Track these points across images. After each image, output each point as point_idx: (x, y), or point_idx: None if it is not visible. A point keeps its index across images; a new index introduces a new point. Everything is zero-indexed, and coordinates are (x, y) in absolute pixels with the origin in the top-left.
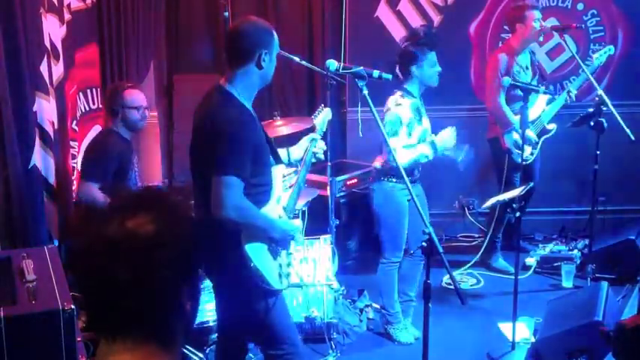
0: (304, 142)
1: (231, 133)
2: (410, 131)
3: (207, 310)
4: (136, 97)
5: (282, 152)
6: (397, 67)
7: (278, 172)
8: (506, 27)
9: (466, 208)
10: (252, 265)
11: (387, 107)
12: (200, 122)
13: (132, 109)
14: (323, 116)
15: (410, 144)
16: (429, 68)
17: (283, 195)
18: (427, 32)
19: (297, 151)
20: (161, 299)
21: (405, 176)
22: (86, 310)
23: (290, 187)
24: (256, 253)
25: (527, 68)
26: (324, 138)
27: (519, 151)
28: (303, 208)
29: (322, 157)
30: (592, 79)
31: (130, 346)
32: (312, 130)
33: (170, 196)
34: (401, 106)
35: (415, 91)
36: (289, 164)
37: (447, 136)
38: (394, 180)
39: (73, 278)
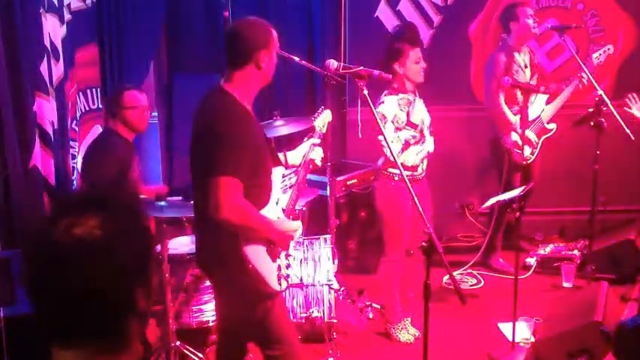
0: (303, 147)
1: (230, 133)
2: (398, 126)
3: (207, 311)
4: (135, 97)
5: (279, 156)
6: (382, 66)
7: (277, 173)
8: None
9: (466, 208)
10: (250, 266)
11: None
12: (199, 122)
13: (131, 109)
14: (323, 118)
15: (404, 138)
16: (413, 65)
17: (282, 197)
18: (408, 29)
19: (294, 156)
20: (114, 304)
21: (402, 171)
22: (37, 319)
23: (290, 187)
24: (255, 254)
25: (526, 67)
26: (324, 139)
27: (519, 151)
28: (303, 208)
29: (319, 163)
30: (592, 79)
31: (85, 353)
32: (311, 131)
33: (118, 197)
34: (383, 103)
35: (402, 86)
36: (286, 167)
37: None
38: (396, 178)
39: (24, 286)
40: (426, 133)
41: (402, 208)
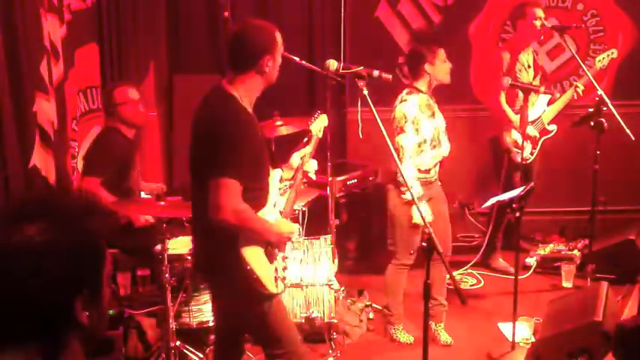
0: (294, 160)
1: (231, 134)
2: (417, 127)
3: (207, 311)
4: (124, 92)
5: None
6: (405, 69)
7: (275, 176)
8: (506, 27)
9: (466, 208)
10: (248, 268)
11: (394, 105)
12: (200, 123)
13: (123, 104)
14: (319, 123)
15: (426, 143)
16: (441, 64)
17: (279, 199)
18: (429, 31)
19: (289, 170)
20: (50, 311)
21: (406, 182)
22: None
23: (290, 187)
24: (253, 256)
25: (529, 67)
26: (323, 140)
27: (519, 151)
28: (303, 208)
29: (314, 177)
30: (592, 79)
31: (24, 354)
32: (308, 138)
33: (64, 201)
34: (405, 102)
35: (424, 88)
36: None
37: None
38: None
39: None
40: (443, 138)
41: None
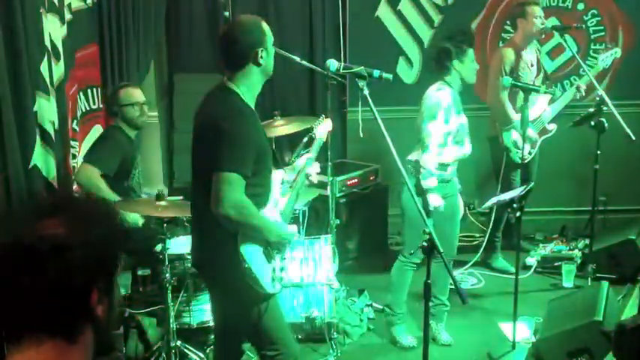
0: (301, 160)
1: (233, 129)
2: (447, 117)
3: (207, 311)
4: (132, 93)
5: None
6: (434, 65)
7: (277, 176)
8: (507, 27)
9: (466, 208)
10: (245, 266)
11: (426, 95)
12: (203, 119)
13: (128, 105)
14: (324, 127)
15: (451, 134)
16: (470, 63)
17: (280, 200)
18: (466, 30)
19: (291, 171)
20: (67, 300)
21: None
22: None
23: (290, 187)
24: (251, 254)
25: (532, 66)
26: (324, 146)
27: (518, 150)
28: (303, 208)
29: (315, 180)
30: (593, 79)
31: (36, 346)
32: (310, 140)
33: (84, 201)
34: (442, 90)
35: (454, 85)
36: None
37: None
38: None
39: None
40: (466, 137)
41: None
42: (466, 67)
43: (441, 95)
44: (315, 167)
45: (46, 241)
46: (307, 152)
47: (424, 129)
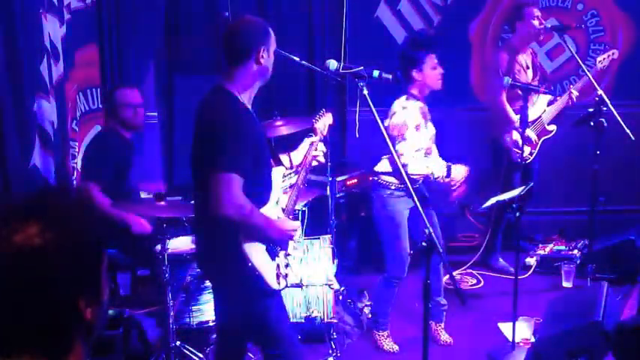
0: (304, 144)
1: (230, 129)
2: (417, 135)
3: (207, 311)
4: (127, 94)
5: (283, 158)
6: (399, 72)
7: (277, 173)
8: (506, 27)
9: (466, 208)
10: (250, 264)
11: (393, 111)
12: (201, 120)
13: (123, 106)
14: (324, 120)
15: (421, 150)
16: (431, 71)
17: (282, 197)
18: (424, 35)
19: (297, 155)
20: (54, 313)
21: (409, 184)
22: None
23: (290, 187)
24: (254, 253)
25: (528, 68)
26: (324, 140)
27: (518, 151)
28: (303, 208)
29: (323, 159)
30: (592, 79)
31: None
32: (311, 131)
33: (61, 200)
34: (407, 109)
35: (418, 94)
36: (291, 168)
37: (462, 172)
38: (392, 187)
39: None
40: (432, 145)
41: (396, 219)
42: (426, 75)
43: (406, 114)
44: (321, 147)
45: (26, 254)
46: (313, 137)
47: (397, 149)
